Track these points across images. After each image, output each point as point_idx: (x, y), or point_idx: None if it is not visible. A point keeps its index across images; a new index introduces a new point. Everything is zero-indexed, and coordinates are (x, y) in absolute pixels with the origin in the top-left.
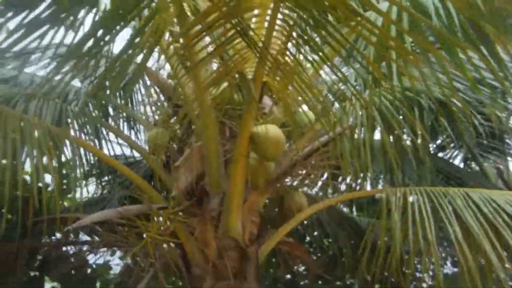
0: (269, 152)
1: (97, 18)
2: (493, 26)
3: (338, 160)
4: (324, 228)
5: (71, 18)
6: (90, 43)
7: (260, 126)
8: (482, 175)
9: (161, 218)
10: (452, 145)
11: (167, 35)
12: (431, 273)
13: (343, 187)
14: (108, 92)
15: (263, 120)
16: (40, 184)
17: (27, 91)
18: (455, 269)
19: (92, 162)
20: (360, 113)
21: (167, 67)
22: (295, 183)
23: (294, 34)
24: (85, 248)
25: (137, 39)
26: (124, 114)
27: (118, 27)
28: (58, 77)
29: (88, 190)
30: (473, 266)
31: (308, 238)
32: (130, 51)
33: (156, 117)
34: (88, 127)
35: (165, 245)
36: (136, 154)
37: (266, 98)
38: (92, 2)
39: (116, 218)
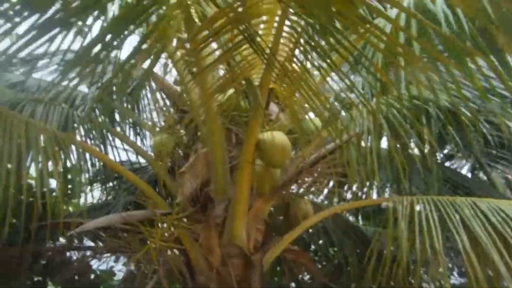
0: (275, 159)
1: (105, 24)
2: (503, 33)
3: (344, 167)
4: (330, 237)
5: (80, 23)
6: (97, 48)
7: (267, 133)
8: (490, 185)
9: (165, 224)
10: (459, 154)
11: (174, 41)
12: (438, 283)
13: (349, 195)
14: (114, 97)
15: (270, 127)
16: (44, 189)
17: (34, 96)
18: (462, 280)
19: (98, 167)
20: (367, 121)
21: (174, 73)
22: (301, 190)
23: (302, 40)
24: (88, 253)
25: (144, 45)
26: (130, 120)
27: (125, 33)
28: (64, 82)
29: (93, 195)
30: (481, 276)
31: (313, 247)
32: (136, 57)
33: (162, 123)
34: (94, 132)
35: (169, 252)
36: (142, 160)
37: (273, 105)
38: (100, 8)
39: (120, 223)
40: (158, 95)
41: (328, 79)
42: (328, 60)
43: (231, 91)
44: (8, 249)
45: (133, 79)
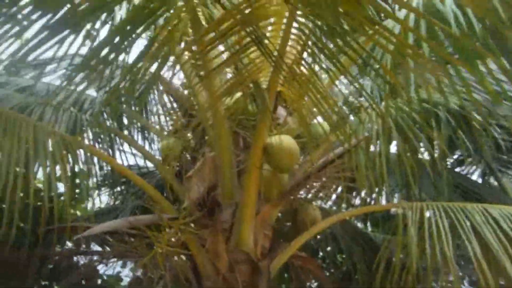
0: (283, 163)
1: (112, 27)
2: None
3: (353, 172)
4: (338, 243)
5: (88, 26)
6: (105, 51)
7: (274, 136)
8: (500, 191)
9: (172, 229)
10: (470, 159)
11: (182, 44)
12: None
13: (357, 201)
14: (122, 101)
15: (277, 131)
16: (52, 193)
17: (42, 100)
18: None
19: (106, 172)
20: (376, 125)
21: (182, 76)
22: (309, 196)
23: (310, 43)
24: (95, 258)
25: (152, 48)
26: (139, 124)
27: (133, 35)
28: (73, 86)
29: (101, 200)
30: (493, 284)
31: (321, 253)
32: (144, 60)
33: (170, 126)
34: (102, 136)
35: (175, 257)
36: (150, 164)
37: (281, 109)
38: (108, 10)
39: (127, 228)
40: (165, 98)
41: (337, 82)
42: (337, 63)
43: (238, 94)
44: (16, 252)
45: (141, 82)
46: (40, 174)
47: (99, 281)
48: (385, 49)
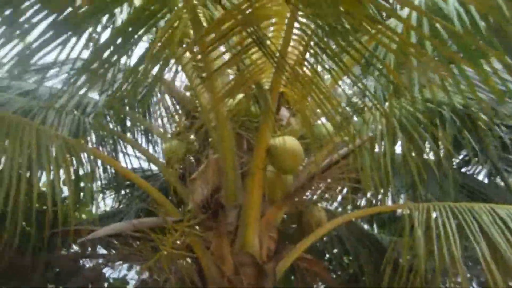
0: (286, 164)
1: (113, 29)
2: None
3: (358, 173)
4: (344, 245)
5: (90, 29)
6: (107, 53)
7: (278, 138)
8: (507, 191)
9: (176, 232)
10: (476, 159)
11: (183, 45)
12: None
13: (363, 202)
14: (125, 104)
15: (281, 132)
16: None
17: (45, 103)
18: None
19: (110, 175)
20: (380, 125)
21: (183, 78)
22: (314, 197)
23: (312, 43)
24: (101, 261)
25: (154, 50)
26: (142, 126)
27: (135, 37)
28: (75, 88)
29: (106, 203)
30: (501, 285)
31: (327, 255)
32: (146, 62)
33: (174, 129)
34: (106, 139)
35: (180, 260)
36: (154, 167)
37: (284, 110)
38: (109, 12)
39: (131, 231)
40: (168, 100)
41: (340, 82)
42: (339, 63)
43: (240, 95)
44: (21, 256)
45: (143, 85)
46: (44, 178)
47: (106, 284)
48: (388, 48)
